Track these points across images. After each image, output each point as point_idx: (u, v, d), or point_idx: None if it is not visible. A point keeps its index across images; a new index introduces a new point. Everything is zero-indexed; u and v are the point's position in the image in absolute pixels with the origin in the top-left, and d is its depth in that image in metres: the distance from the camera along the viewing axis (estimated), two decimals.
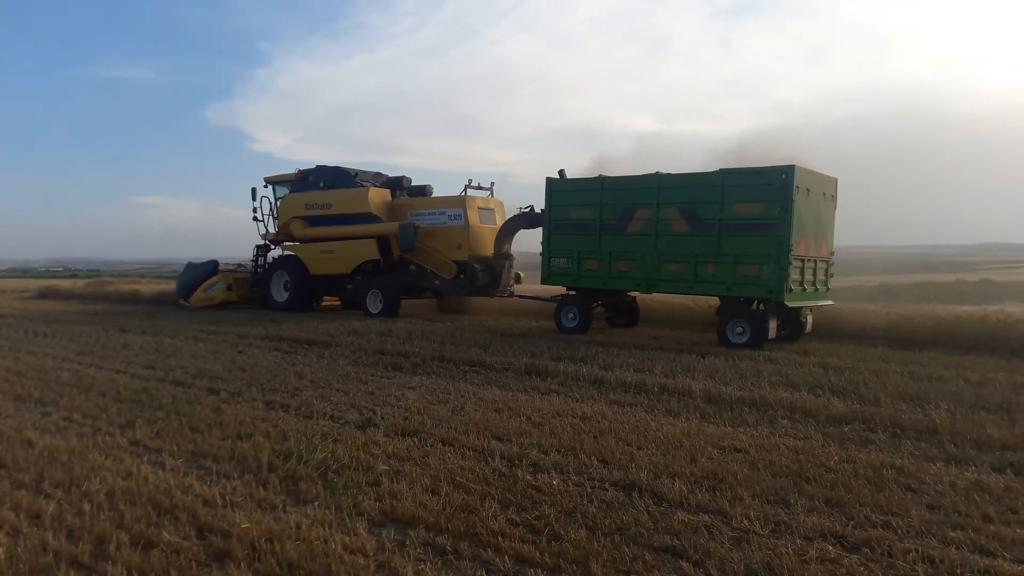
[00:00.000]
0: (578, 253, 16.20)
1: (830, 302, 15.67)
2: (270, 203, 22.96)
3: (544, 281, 17.25)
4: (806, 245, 13.98)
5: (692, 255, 14.51)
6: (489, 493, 5.25)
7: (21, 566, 4.08)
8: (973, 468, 6.09)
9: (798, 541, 4.49)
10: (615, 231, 15.59)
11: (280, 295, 22.08)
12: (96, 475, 5.48)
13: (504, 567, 4.15)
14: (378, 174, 22.42)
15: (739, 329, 14.06)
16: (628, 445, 6.58)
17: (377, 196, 20.95)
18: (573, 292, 16.86)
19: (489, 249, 19.51)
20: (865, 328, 15.49)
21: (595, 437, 6.83)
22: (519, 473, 5.71)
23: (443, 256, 19.83)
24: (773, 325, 14.00)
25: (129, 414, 7.60)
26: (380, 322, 17.27)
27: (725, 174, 14.24)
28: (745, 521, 4.79)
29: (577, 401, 8.61)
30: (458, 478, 5.55)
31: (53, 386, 9.05)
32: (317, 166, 22.19)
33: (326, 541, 4.33)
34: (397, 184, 21.92)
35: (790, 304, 13.78)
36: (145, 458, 6.08)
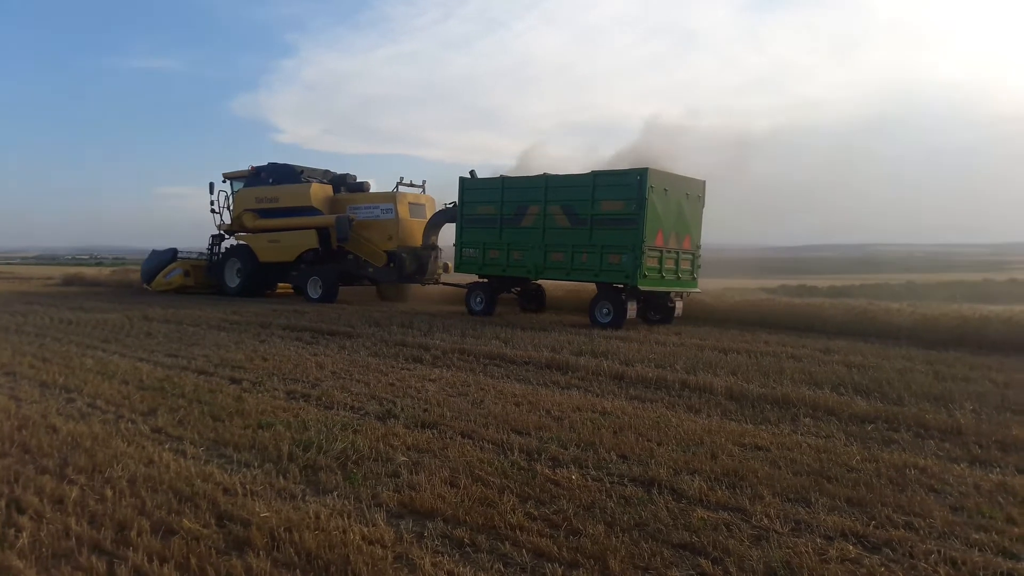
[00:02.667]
0: (484, 244, 18.37)
1: (696, 290, 17.74)
2: (226, 196, 25.02)
3: (457, 269, 19.60)
4: (663, 238, 16.04)
5: (570, 246, 16.71)
6: (508, 486, 5.24)
7: (44, 550, 4.13)
8: (998, 470, 5.99)
9: (818, 540, 4.43)
10: (512, 224, 17.77)
11: (233, 281, 24.21)
12: (118, 462, 5.54)
13: (522, 560, 4.14)
14: (327, 172, 24.48)
15: (605, 310, 16.22)
16: (648, 441, 6.54)
17: (319, 191, 23.03)
18: (485, 280, 18.84)
19: (418, 241, 21.52)
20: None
21: (615, 432, 6.80)
22: (538, 467, 5.70)
23: (376, 246, 21.87)
24: (632, 307, 16.05)
25: (151, 402, 7.68)
26: (401, 314, 17.36)
27: (595, 175, 16.54)
28: (765, 519, 4.75)
29: (597, 396, 8.58)
30: (477, 471, 5.55)
31: (77, 373, 9.16)
32: (269, 163, 24.31)
33: (345, 531, 4.34)
34: (341, 181, 23.99)
35: (643, 288, 15.86)
36: (167, 446, 6.14)
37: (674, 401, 8.40)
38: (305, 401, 7.96)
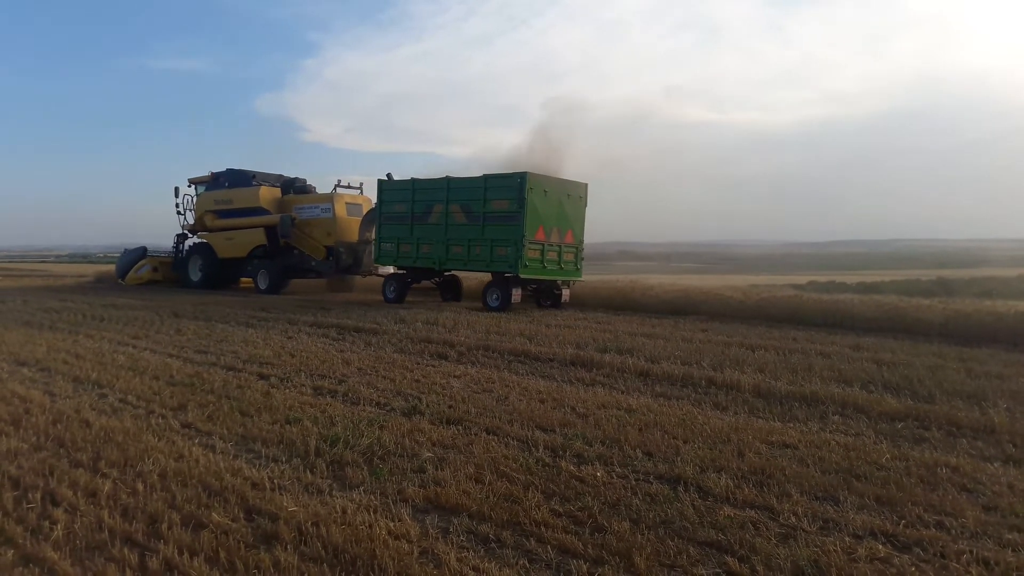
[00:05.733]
0: (398, 239, 20.70)
1: (580, 279, 20.16)
2: (191, 199, 27.65)
3: (375, 261, 22.10)
4: (544, 233, 18.38)
5: (467, 240, 19.01)
6: (532, 483, 5.25)
7: (78, 542, 4.21)
8: None
9: (847, 539, 4.38)
10: (421, 221, 20.06)
11: (196, 275, 26.74)
12: (149, 456, 5.63)
13: (547, 557, 4.14)
14: (280, 176, 26.85)
15: (494, 296, 18.60)
16: (674, 438, 6.50)
17: (267, 193, 25.53)
18: (402, 271, 21.25)
19: (355, 237, 23.84)
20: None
21: (640, 429, 6.78)
22: (563, 464, 5.70)
23: (317, 242, 24.34)
24: (517, 293, 18.32)
25: (181, 397, 7.78)
26: (426, 311, 17.44)
27: (486, 178, 18.83)
28: (793, 518, 4.70)
29: (622, 393, 8.55)
30: (502, 467, 5.56)
31: (110, 369, 9.31)
32: (227, 169, 26.63)
33: (371, 526, 4.38)
34: (291, 184, 26.59)
35: (524, 276, 18.22)
36: (196, 440, 6.22)
37: (700, 398, 8.34)
38: (332, 397, 8.03)
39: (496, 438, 6.43)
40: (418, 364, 10.26)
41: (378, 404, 7.71)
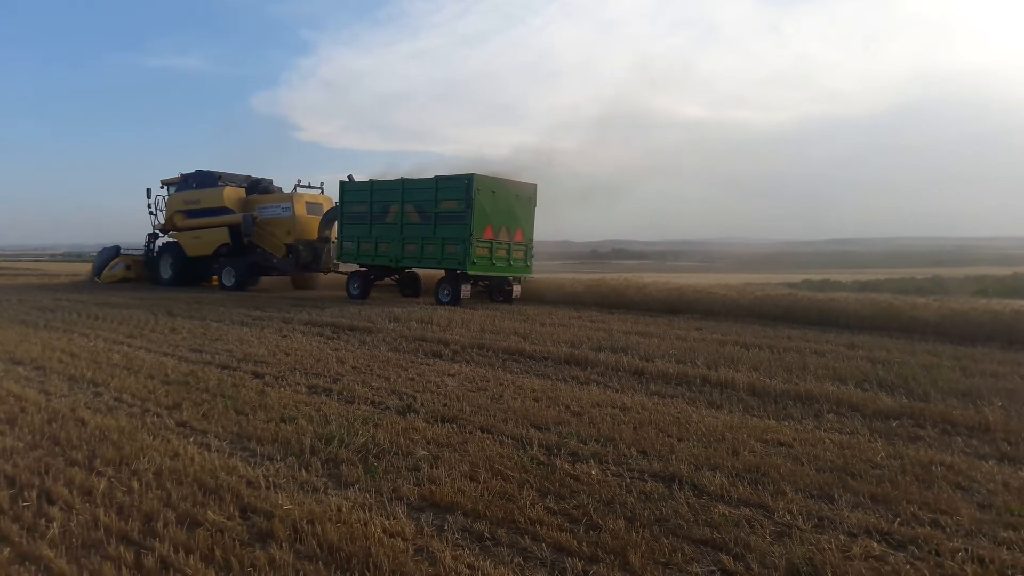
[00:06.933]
0: (358, 238, 21.54)
1: (530, 275, 21.09)
2: (162, 200, 28.42)
3: (337, 259, 22.95)
4: (493, 232, 19.32)
5: (421, 239, 19.99)
6: (527, 481, 5.25)
7: (74, 540, 4.20)
8: None
9: (842, 537, 4.39)
10: (379, 221, 20.97)
11: (166, 273, 27.55)
12: (144, 455, 5.62)
13: (541, 555, 4.14)
14: (247, 177, 27.62)
15: (445, 291, 19.55)
16: (668, 436, 6.51)
17: (231, 193, 26.25)
18: (363, 268, 21.83)
19: (314, 235, 24.44)
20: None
21: (635, 428, 6.78)
22: (557, 462, 5.70)
23: (278, 240, 25.06)
24: (466, 289, 19.28)
25: (176, 396, 7.77)
26: (420, 310, 17.43)
27: (437, 180, 19.75)
28: (787, 515, 4.71)
29: (617, 391, 8.56)
30: (496, 465, 5.56)
31: (104, 367, 9.29)
32: (196, 171, 27.41)
33: (366, 524, 4.38)
34: (256, 184, 27.35)
35: (472, 273, 19.16)
36: (191, 439, 6.21)
37: (695, 397, 8.35)
38: (327, 395, 8.02)
39: (491, 436, 6.43)
40: (413, 363, 10.25)
41: (373, 403, 7.70)
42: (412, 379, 9.00)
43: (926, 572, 3.99)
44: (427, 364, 10.18)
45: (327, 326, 14.10)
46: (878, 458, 5.97)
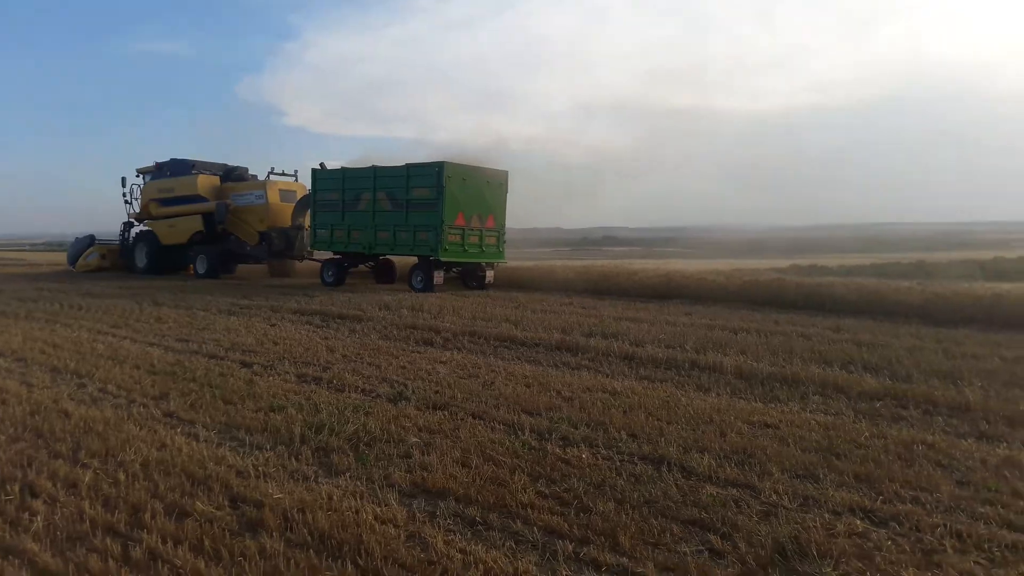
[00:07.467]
0: (331, 225, 21.63)
1: (503, 261, 21.24)
2: (138, 189, 28.42)
3: (311, 247, 23.00)
4: (464, 219, 19.46)
5: (393, 226, 20.16)
6: (519, 466, 5.28)
7: (59, 533, 4.16)
8: (1004, 445, 6.02)
9: (826, 515, 4.46)
10: (352, 208, 21.09)
11: (142, 261, 27.58)
12: (131, 446, 5.58)
13: (533, 538, 4.17)
14: (223, 165, 27.51)
15: (419, 278, 19.74)
16: (658, 420, 6.56)
17: (205, 181, 26.24)
18: (338, 256, 21.97)
19: (287, 222, 24.34)
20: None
21: (625, 412, 6.83)
22: (548, 447, 5.73)
23: (252, 227, 25.07)
24: (439, 275, 19.50)
25: (163, 386, 7.73)
26: (411, 297, 17.41)
27: (408, 167, 19.86)
28: (774, 495, 4.77)
29: (607, 376, 8.60)
30: (488, 451, 5.59)
31: (88, 358, 9.22)
32: (171, 159, 27.30)
33: (357, 511, 4.39)
34: (231, 172, 27.26)
35: (444, 259, 19.33)
36: (179, 429, 6.19)
37: (684, 381, 8.41)
38: (316, 384, 8.01)
39: (482, 423, 6.46)
40: (403, 350, 10.25)
41: (363, 391, 7.70)
42: (403, 367, 9.00)
43: (907, 548, 4.06)
44: (418, 352, 10.18)
45: (316, 314, 14.05)
46: (862, 438, 6.05)
